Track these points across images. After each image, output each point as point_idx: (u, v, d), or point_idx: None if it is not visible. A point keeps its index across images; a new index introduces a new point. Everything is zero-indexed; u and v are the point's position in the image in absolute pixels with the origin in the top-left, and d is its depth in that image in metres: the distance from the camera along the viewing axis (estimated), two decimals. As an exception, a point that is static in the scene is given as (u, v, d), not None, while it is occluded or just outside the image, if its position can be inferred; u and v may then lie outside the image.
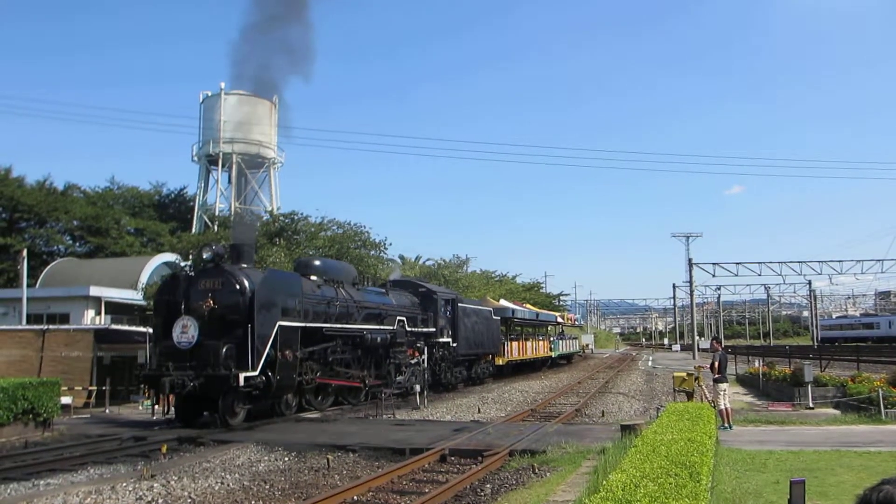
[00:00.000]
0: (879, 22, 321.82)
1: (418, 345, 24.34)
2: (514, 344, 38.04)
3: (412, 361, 23.56)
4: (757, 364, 27.48)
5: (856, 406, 16.54)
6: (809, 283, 77.89)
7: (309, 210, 58.80)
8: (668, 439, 7.21)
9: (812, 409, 17.97)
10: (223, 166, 47.99)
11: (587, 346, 76.52)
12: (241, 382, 15.39)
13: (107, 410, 20.97)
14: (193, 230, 44.94)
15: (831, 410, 17.61)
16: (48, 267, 36.29)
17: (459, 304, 28.37)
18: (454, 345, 27.46)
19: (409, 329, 23.81)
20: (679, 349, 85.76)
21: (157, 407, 18.78)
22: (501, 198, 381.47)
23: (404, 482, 10.46)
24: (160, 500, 9.49)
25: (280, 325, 16.70)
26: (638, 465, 5.68)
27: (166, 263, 33.14)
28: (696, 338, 64.90)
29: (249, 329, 15.82)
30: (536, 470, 10.74)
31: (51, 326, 23.14)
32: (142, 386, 22.65)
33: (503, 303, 42.53)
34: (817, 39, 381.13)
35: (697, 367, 19.43)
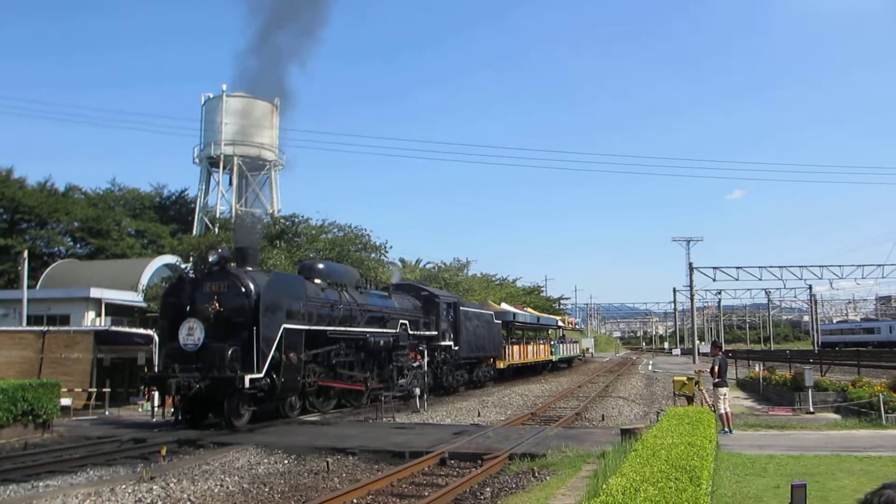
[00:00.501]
0: (880, 23, 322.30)
1: (420, 348, 24.40)
2: (516, 347, 38.09)
3: (414, 364, 23.61)
4: (757, 368, 27.44)
5: (856, 411, 16.53)
6: (810, 287, 77.94)
7: (310, 212, 58.68)
8: (668, 443, 7.20)
9: (812, 413, 17.94)
10: (224, 168, 48.01)
11: (587, 349, 76.53)
12: (247, 384, 15.52)
13: (106, 412, 20.97)
14: (194, 232, 44.93)
15: (832, 415, 17.59)
16: (49, 268, 36.30)
17: (461, 308, 28.48)
18: (456, 348, 27.55)
19: (411, 332, 23.93)
20: (679, 353, 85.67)
21: (157, 409, 18.83)
22: (502, 200, 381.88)
23: (404, 485, 10.45)
24: (159, 503, 9.48)
25: (285, 328, 16.83)
26: (638, 469, 5.67)
27: (167, 265, 33.15)
28: (697, 342, 64.82)
29: (255, 331, 15.96)
30: (536, 474, 10.72)
31: (51, 328, 23.13)
32: (142, 388, 22.71)
33: (504, 306, 42.54)
34: (818, 42, 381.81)
35: (698, 372, 19.41)
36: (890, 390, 16.82)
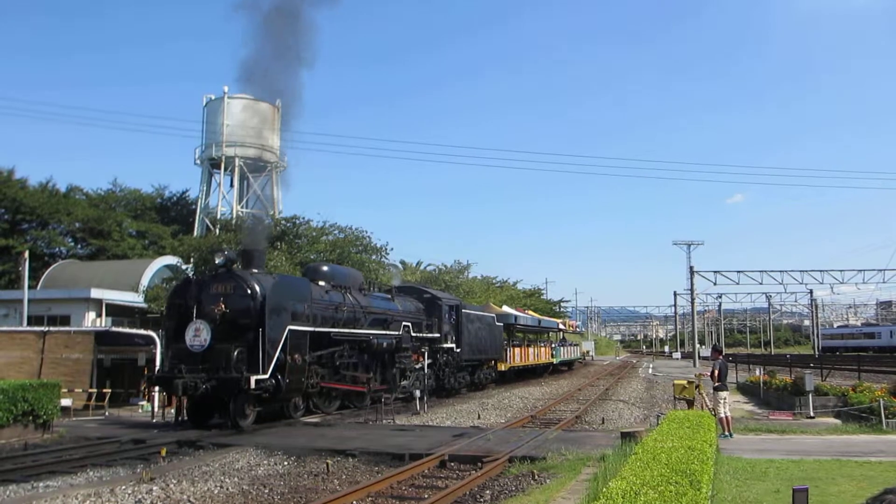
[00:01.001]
0: (881, 25, 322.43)
1: (422, 350, 24.53)
2: (517, 350, 38.15)
3: (416, 366, 23.73)
4: (758, 372, 27.43)
5: (857, 416, 16.52)
6: (811, 292, 77.88)
7: (310, 214, 58.75)
8: (668, 447, 7.20)
9: (813, 418, 17.94)
10: (225, 170, 48.09)
11: (587, 352, 76.48)
12: (252, 385, 15.64)
13: (106, 413, 20.97)
14: (195, 233, 44.96)
15: (832, 420, 17.58)
16: (49, 269, 36.33)
17: (463, 311, 28.64)
18: (458, 350, 27.70)
19: (414, 334, 24.06)
20: (680, 357, 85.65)
21: (164, 409, 18.86)
22: (502, 203, 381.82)
23: (403, 488, 10.45)
24: (159, 504, 9.48)
25: (290, 330, 17.00)
26: (638, 473, 5.67)
27: (168, 266, 33.16)
28: (697, 346, 64.79)
29: (260, 333, 16.13)
30: (536, 476, 10.72)
31: (51, 328, 23.14)
32: (143, 388, 22.74)
33: (506, 309, 42.56)
34: (819, 44, 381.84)
35: (698, 375, 19.41)
36: (890, 395, 16.81)
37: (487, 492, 10.08)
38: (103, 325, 27.10)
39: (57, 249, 43.47)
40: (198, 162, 49.65)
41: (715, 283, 60.70)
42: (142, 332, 23.21)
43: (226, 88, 47.87)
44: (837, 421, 17.22)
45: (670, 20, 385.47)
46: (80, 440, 15.06)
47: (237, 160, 47.43)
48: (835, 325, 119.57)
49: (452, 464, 12.12)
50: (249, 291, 16.71)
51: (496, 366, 33.64)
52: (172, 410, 18.06)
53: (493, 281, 68.85)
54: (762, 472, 10.17)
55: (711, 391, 15.76)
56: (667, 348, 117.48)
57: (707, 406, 16.16)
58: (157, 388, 20.28)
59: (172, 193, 53.98)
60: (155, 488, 10.08)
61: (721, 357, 16.12)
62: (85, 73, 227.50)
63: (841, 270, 61.15)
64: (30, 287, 28.48)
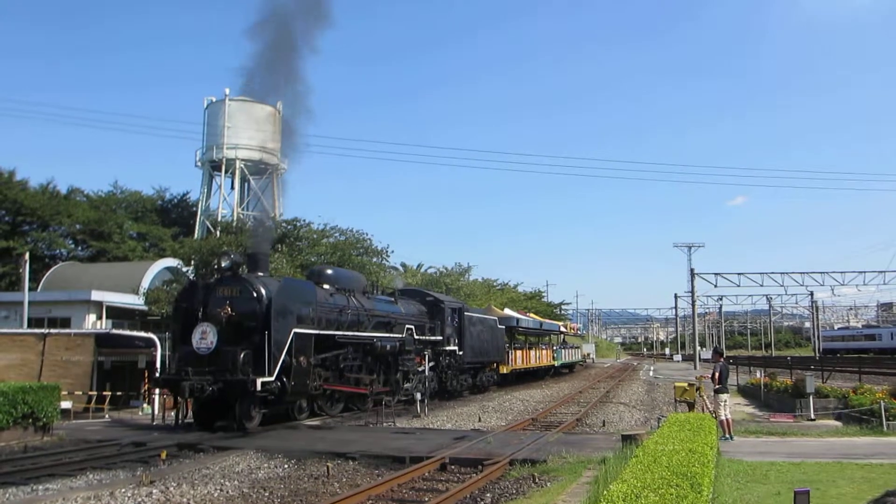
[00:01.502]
0: (880, 30, 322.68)
1: (425, 353, 24.68)
2: (519, 353, 38.21)
3: (419, 369, 23.81)
4: (758, 375, 27.41)
5: (857, 418, 16.49)
6: (811, 293, 77.97)
7: (311, 216, 58.77)
8: (669, 450, 7.19)
9: (813, 420, 17.92)
10: (226, 172, 48.12)
11: (588, 355, 76.47)
12: (258, 387, 15.79)
13: (107, 415, 20.96)
14: (196, 235, 44.98)
15: (833, 422, 17.56)
16: (50, 271, 36.31)
17: (466, 314, 28.79)
18: (460, 353, 27.85)
19: (417, 337, 24.22)
20: (680, 359, 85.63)
21: (158, 412, 18.85)
22: (503, 206, 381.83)
23: (404, 490, 10.44)
24: (159, 506, 9.46)
25: (295, 332, 17.13)
26: (639, 476, 5.66)
27: (168, 268, 33.14)
28: (698, 348, 64.79)
29: (266, 335, 16.23)
30: (537, 479, 10.70)
31: (52, 330, 23.14)
32: (143, 391, 22.75)
33: (508, 312, 42.59)
34: (820, 46, 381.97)
35: (699, 378, 19.39)
36: (891, 397, 16.79)
37: (488, 495, 10.07)
38: (104, 327, 27.10)
39: (57, 251, 43.44)
40: (198, 164, 49.69)
41: (716, 286, 60.79)
42: (142, 334, 23.21)
43: (227, 91, 47.94)
44: (838, 423, 17.20)
45: (671, 22, 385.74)
46: (79, 443, 15.05)
47: (238, 162, 47.48)
48: (835, 327, 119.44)
49: (453, 467, 12.10)
50: (255, 295, 16.94)
51: (498, 368, 33.74)
52: (173, 413, 18.08)
53: (494, 283, 68.87)
54: (763, 475, 10.15)
55: (712, 394, 15.74)
56: (667, 351, 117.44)
57: (708, 409, 16.14)
58: (157, 391, 20.41)
59: (173, 196, 53.98)
60: (155, 491, 10.06)
61: (722, 359, 16.09)
62: (86, 75, 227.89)
63: (842, 272, 61.18)
64: (30, 289, 28.48)
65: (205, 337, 16.47)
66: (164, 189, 53.56)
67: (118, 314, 29.50)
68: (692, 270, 61.84)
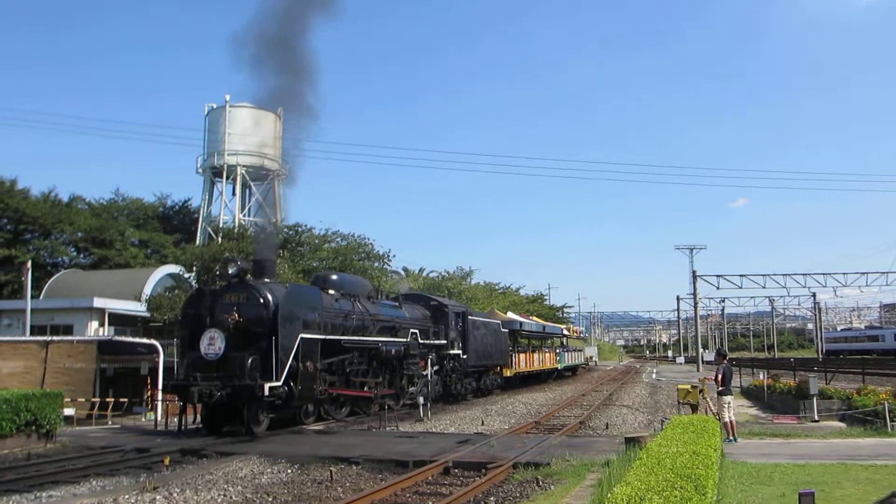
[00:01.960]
0: (880, 31, 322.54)
1: (430, 357, 24.80)
2: (522, 356, 38.21)
3: (423, 373, 23.90)
4: (761, 376, 27.35)
5: (861, 419, 16.45)
6: (814, 295, 77.57)
7: (312, 221, 58.80)
8: (672, 452, 7.18)
9: (817, 421, 17.87)
10: (228, 178, 48.16)
11: (591, 358, 76.32)
12: (266, 392, 15.95)
13: (109, 422, 20.95)
14: (198, 242, 45.01)
15: (836, 423, 17.52)
16: (52, 278, 36.34)
17: (469, 317, 28.93)
18: (464, 357, 27.96)
19: (421, 341, 24.34)
20: (683, 361, 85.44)
21: (161, 418, 18.85)
22: (504, 209, 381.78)
23: (407, 495, 10.42)
24: (162, 513, 9.46)
25: (302, 338, 17.30)
26: (643, 478, 5.65)
27: (170, 275, 33.16)
28: (701, 350, 64.64)
29: (274, 341, 16.41)
30: (540, 483, 10.69)
31: (54, 338, 23.17)
32: (146, 397, 22.76)
33: (511, 315, 42.60)
34: (821, 49, 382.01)
35: (702, 380, 19.35)
36: (895, 398, 16.75)
37: (492, 498, 10.05)
38: (106, 334, 27.12)
39: (59, 259, 43.47)
40: (200, 171, 49.73)
41: (718, 288, 60.56)
42: (144, 341, 23.21)
43: (227, 97, 48.04)
44: (842, 424, 17.16)
45: (672, 24, 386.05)
46: (83, 449, 15.03)
47: (239, 168, 47.52)
48: (838, 329, 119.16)
49: (456, 470, 12.09)
50: (262, 301, 17.10)
51: (502, 372, 33.81)
52: (176, 419, 18.10)
53: (496, 287, 68.84)
54: (767, 477, 10.13)
55: (715, 395, 15.72)
56: (670, 353, 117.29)
57: (711, 410, 16.12)
58: (159, 397, 20.45)
59: (175, 202, 54.04)
60: (158, 497, 10.06)
61: (725, 361, 16.06)
62: (86, 83, 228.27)
63: (844, 273, 60.94)
64: (32, 297, 28.52)
65: (213, 343, 16.67)
66: (165, 196, 53.69)
67: (120, 321, 29.51)
68: (694, 272, 61.64)
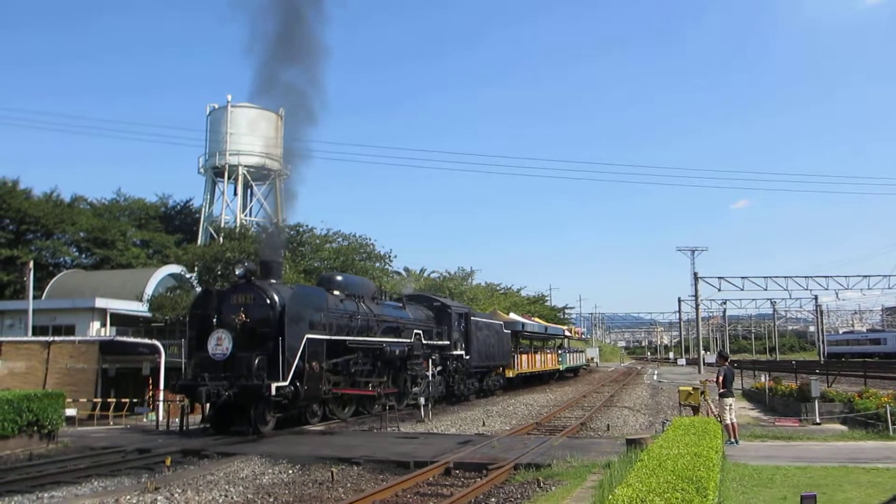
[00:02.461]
0: (883, 33, 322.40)
1: (433, 357, 24.89)
2: (524, 357, 38.29)
3: (427, 373, 23.97)
4: (763, 379, 27.34)
5: (863, 422, 16.43)
6: (816, 297, 77.48)
7: (314, 221, 58.78)
8: (674, 454, 7.16)
9: (819, 424, 17.84)
10: (229, 178, 48.22)
11: (592, 359, 76.29)
12: (273, 392, 16.11)
13: (111, 423, 20.97)
14: (199, 242, 45.08)
15: (838, 426, 17.50)
16: (54, 279, 36.42)
17: (472, 318, 29.04)
18: (467, 357, 28.07)
19: (424, 342, 24.45)
20: (684, 363, 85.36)
21: (163, 418, 18.86)
22: (506, 210, 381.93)
23: (408, 495, 10.42)
24: (164, 513, 9.46)
25: (307, 338, 17.49)
26: (644, 480, 5.64)
27: (172, 275, 33.22)
28: (702, 352, 64.58)
29: (280, 341, 16.56)
30: (541, 484, 10.69)
31: (56, 338, 23.22)
32: (148, 397, 22.79)
33: (513, 316, 42.63)
34: (822, 51, 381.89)
35: (703, 382, 19.32)
36: (897, 401, 16.72)
37: (493, 499, 10.05)
38: (108, 334, 27.17)
39: (61, 259, 43.59)
40: (201, 171, 49.81)
41: (719, 290, 60.53)
42: (146, 341, 23.25)
43: (229, 97, 48.15)
44: (844, 427, 17.13)
45: (673, 26, 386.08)
46: (84, 450, 15.04)
47: (241, 168, 47.59)
48: (840, 331, 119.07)
49: (457, 471, 12.09)
50: (269, 301, 17.29)
51: (504, 372, 33.91)
52: (178, 419, 18.15)
53: (497, 288, 68.84)
54: (769, 479, 10.12)
55: (717, 397, 15.71)
56: (671, 355, 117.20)
57: (713, 412, 16.09)
58: (161, 398, 20.52)
59: (176, 202, 54.20)
60: (160, 498, 10.07)
61: (726, 363, 16.04)
62: (88, 82, 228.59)
63: (846, 276, 60.91)
64: (34, 297, 28.57)
65: (220, 343, 16.84)
66: (167, 196, 53.90)
67: (122, 321, 29.57)
68: (695, 274, 61.61)
